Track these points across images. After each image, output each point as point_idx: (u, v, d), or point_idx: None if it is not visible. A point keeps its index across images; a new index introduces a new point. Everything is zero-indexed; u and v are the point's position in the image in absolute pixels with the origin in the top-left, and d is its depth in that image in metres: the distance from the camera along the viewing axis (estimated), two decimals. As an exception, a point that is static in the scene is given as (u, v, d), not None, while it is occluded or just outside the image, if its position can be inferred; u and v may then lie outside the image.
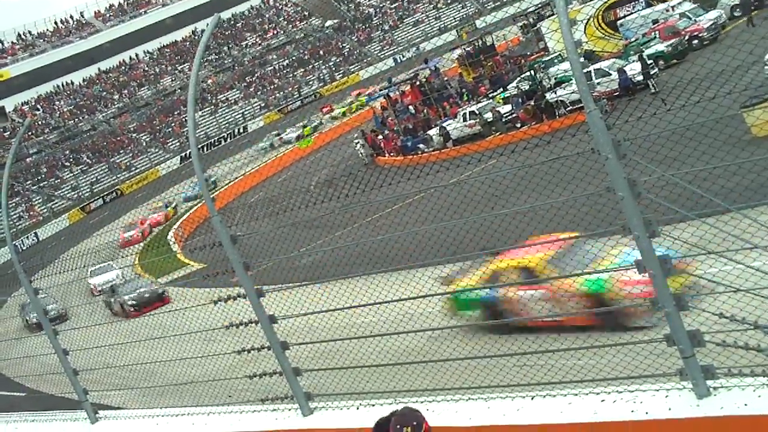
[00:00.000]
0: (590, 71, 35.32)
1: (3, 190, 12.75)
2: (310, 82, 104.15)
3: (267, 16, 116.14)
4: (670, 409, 6.61)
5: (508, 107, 41.21)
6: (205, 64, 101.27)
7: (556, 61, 42.86)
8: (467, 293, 10.83)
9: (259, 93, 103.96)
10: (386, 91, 52.27)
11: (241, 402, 11.10)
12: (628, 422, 6.75)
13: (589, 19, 48.07)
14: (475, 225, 8.79)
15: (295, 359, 9.78)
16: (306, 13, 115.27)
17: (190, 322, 12.19)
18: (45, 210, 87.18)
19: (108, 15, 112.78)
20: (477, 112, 42.22)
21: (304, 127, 71.87)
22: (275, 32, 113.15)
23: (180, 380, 12.36)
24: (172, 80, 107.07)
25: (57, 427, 14.75)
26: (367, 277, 10.17)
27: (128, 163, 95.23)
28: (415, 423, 5.61)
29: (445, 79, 53.68)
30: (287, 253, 11.10)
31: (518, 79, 45.02)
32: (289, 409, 9.98)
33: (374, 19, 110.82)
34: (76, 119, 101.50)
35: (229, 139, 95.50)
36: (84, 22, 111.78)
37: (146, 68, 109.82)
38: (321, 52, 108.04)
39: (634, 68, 35.74)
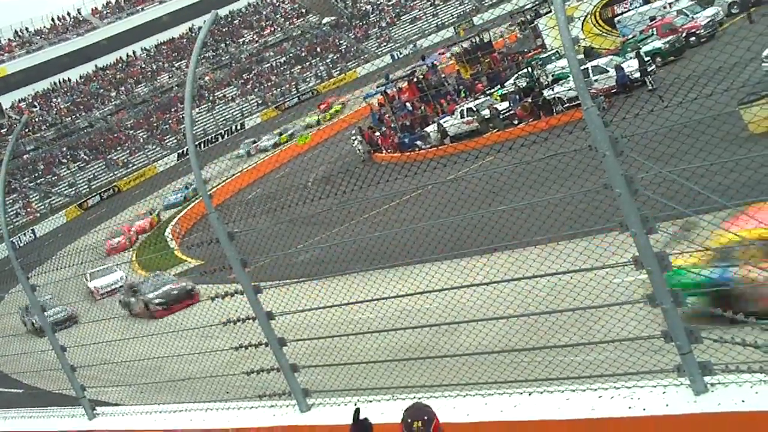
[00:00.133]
0: (587, 68, 35.36)
1: (0, 186, 12.74)
2: (308, 79, 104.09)
3: (264, 13, 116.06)
4: (667, 405, 6.61)
5: (505, 104, 41.24)
6: (202, 61, 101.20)
7: (553, 58, 42.88)
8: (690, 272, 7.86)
9: (256, 90, 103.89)
10: (383, 88, 52.23)
11: (239, 398, 11.10)
12: (625, 418, 6.75)
13: (586, 16, 48.11)
14: (473, 222, 8.78)
15: (293, 356, 9.79)
16: (303, 10, 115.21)
17: (188, 318, 12.21)
18: (42, 207, 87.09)
19: (105, 12, 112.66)
20: (474, 109, 42.25)
21: (280, 135, 71.53)
22: (272, 29, 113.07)
23: (177, 376, 12.36)
24: (169, 77, 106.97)
25: (54, 423, 14.74)
26: (364, 273, 10.17)
27: (125, 160, 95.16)
28: (426, 417, 5.65)
29: (443, 76, 53.67)
30: (285, 250, 11.09)
31: (516, 76, 45.04)
32: (287, 406, 9.98)
33: (371, 16, 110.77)
34: (73, 116, 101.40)
35: (226, 136, 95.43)
36: (81, 19, 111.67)
37: (143, 65, 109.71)
38: (318, 49, 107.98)
39: (631, 65, 35.79)
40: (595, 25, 49.42)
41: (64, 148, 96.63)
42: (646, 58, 35.74)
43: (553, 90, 37.89)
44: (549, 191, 8.19)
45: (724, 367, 6.56)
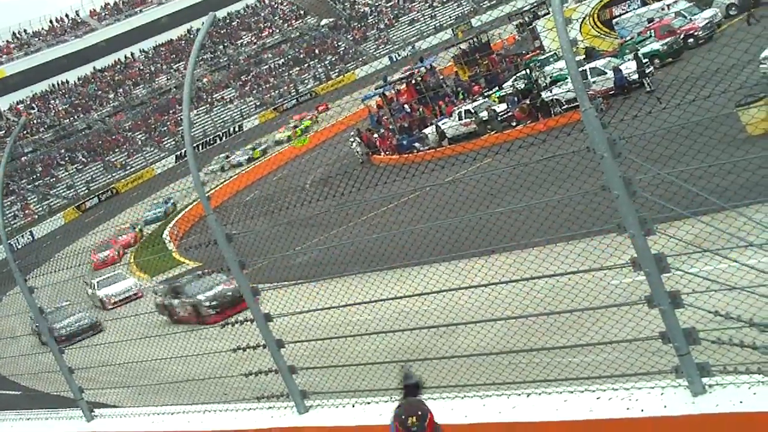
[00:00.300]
0: (586, 70, 35.37)
1: (-2, 188, 12.73)
2: (306, 81, 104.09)
3: (262, 14, 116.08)
4: (665, 406, 6.62)
5: (503, 106, 41.26)
6: (200, 63, 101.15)
7: (551, 59, 42.88)
8: None
9: (254, 92, 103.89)
10: (382, 89, 52.22)
11: (237, 400, 11.10)
12: (623, 420, 6.76)
13: (584, 18, 48.10)
14: (471, 223, 8.79)
15: (291, 357, 9.79)
16: (301, 12, 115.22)
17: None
18: (40, 209, 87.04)
19: (103, 14, 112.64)
20: (472, 111, 42.26)
21: (253, 149, 71.08)
22: (271, 31, 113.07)
23: (176, 378, 12.36)
24: (167, 79, 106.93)
25: (53, 425, 14.74)
26: (362, 275, 10.19)
27: (123, 162, 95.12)
28: (420, 413, 5.66)
29: (441, 77, 53.67)
30: (283, 252, 11.11)
31: (514, 77, 45.05)
32: (285, 407, 9.99)
33: (370, 17, 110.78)
34: (72, 118, 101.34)
35: (224, 138, 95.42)
36: (79, 20, 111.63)
37: (141, 67, 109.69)
38: (316, 51, 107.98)
39: (629, 67, 35.79)
40: (593, 27, 49.41)
41: (63, 150, 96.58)
42: (644, 60, 35.76)
43: (551, 92, 37.89)
44: (547, 193, 8.20)
45: (722, 369, 6.56)
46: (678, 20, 40.63)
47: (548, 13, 47.37)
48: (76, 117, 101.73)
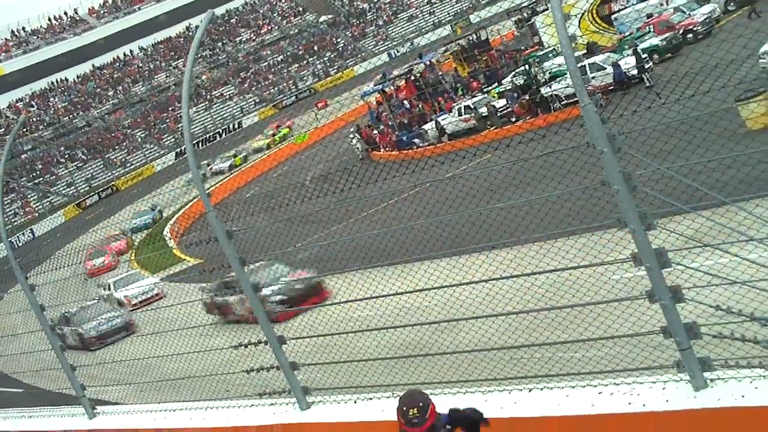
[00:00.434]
0: (585, 65, 35.38)
1: (-2, 186, 12.74)
2: (305, 78, 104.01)
3: (261, 11, 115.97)
4: (667, 401, 6.63)
5: (503, 102, 41.26)
6: (199, 60, 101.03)
7: (550, 55, 42.89)
8: None
9: (253, 89, 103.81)
10: (381, 86, 52.21)
11: (239, 396, 11.13)
12: (625, 414, 6.77)
13: (583, 14, 48.13)
14: (471, 219, 8.81)
15: (293, 354, 9.80)
16: (300, 9, 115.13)
17: (187, 317, 12.22)
18: (40, 206, 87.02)
19: (102, 11, 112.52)
20: (472, 107, 42.25)
21: (235, 156, 70.30)
22: (269, 28, 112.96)
23: (177, 375, 12.37)
24: (166, 76, 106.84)
25: (55, 422, 14.75)
26: (363, 271, 10.20)
27: (123, 160, 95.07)
28: (421, 404, 5.68)
29: (440, 73, 53.65)
30: (283, 249, 11.11)
31: (513, 73, 45.04)
32: (287, 404, 10.00)
33: (368, 14, 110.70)
34: (71, 116, 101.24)
35: (224, 135, 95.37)
36: (78, 18, 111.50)
37: (140, 64, 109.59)
38: (315, 48, 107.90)
39: (628, 62, 35.80)
40: (592, 23, 49.48)
41: (62, 148, 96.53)
42: (644, 55, 35.75)
43: (550, 87, 37.92)
44: (547, 188, 8.20)
45: (723, 363, 6.57)
46: (677, 15, 40.65)
47: (547, 9, 47.33)
48: (75, 115, 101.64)
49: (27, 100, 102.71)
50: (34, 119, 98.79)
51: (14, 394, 22.92)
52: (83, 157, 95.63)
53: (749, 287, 6.58)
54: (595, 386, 7.24)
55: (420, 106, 49.29)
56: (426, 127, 45.44)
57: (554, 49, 42.68)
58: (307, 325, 10.33)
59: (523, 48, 52.31)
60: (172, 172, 74.64)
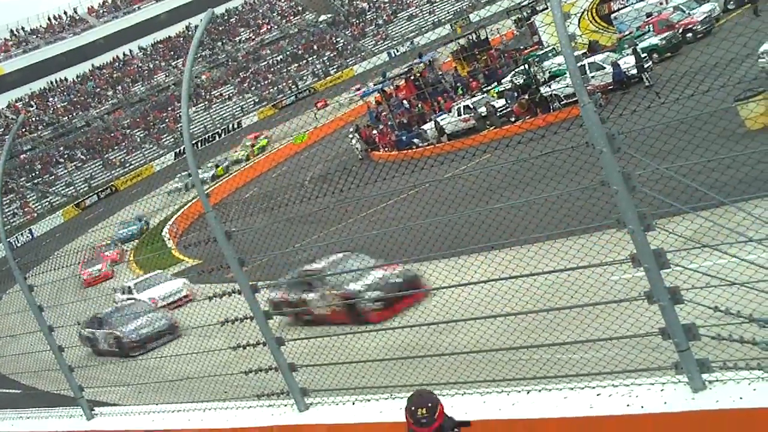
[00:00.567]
0: (584, 65, 35.38)
1: (-3, 186, 12.71)
2: (305, 77, 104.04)
3: (260, 11, 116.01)
4: (665, 402, 6.61)
5: (502, 101, 41.25)
6: (198, 60, 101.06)
7: (550, 54, 42.89)
8: None
9: (253, 88, 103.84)
10: (381, 85, 52.18)
11: (237, 398, 11.10)
12: (623, 416, 6.75)
13: (583, 13, 48.10)
14: (470, 219, 8.79)
15: (291, 355, 9.79)
16: (300, 8, 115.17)
17: (185, 318, 12.19)
18: (39, 207, 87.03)
19: (101, 11, 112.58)
20: (471, 107, 42.24)
21: (217, 166, 68.79)
22: (269, 27, 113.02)
23: (176, 376, 12.35)
24: (165, 76, 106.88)
25: (53, 423, 14.73)
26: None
27: (122, 160, 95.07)
28: (430, 404, 5.70)
29: (440, 73, 53.63)
30: (282, 249, 11.09)
31: (512, 73, 45.03)
32: (285, 405, 9.98)
33: (368, 13, 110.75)
34: (70, 116, 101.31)
35: (223, 135, 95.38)
36: (77, 18, 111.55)
37: (140, 64, 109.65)
38: (315, 47, 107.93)
39: (628, 62, 35.78)
40: (591, 22, 49.41)
41: (61, 148, 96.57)
42: (643, 55, 35.74)
43: (550, 87, 37.92)
44: (546, 188, 8.18)
45: (722, 365, 6.56)
46: (676, 15, 40.64)
47: (547, 8, 47.33)
48: (74, 114, 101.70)
49: (26, 100, 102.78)
50: (34, 119, 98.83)
51: (12, 395, 22.91)
52: (82, 157, 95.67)
53: (748, 288, 6.56)
54: (594, 388, 7.22)
55: (419, 105, 49.28)
56: (425, 127, 45.43)
57: (554, 48, 42.68)
58: (306, 326, 10.31)
59: (522, 47, 52.31)
60: (172, 172, 74.56)
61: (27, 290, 13.35)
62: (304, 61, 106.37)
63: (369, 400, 9.14)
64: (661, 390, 6.76)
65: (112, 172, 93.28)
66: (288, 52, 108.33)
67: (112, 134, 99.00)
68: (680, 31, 38.67)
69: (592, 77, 34.96)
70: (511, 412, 7.57)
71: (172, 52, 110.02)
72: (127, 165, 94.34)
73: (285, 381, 9.72)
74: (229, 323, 10.03)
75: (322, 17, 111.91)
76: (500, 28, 60.09)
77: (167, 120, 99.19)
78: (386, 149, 46.90)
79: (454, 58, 55.51)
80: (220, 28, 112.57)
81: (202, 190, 9.56)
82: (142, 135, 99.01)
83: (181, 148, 72.50)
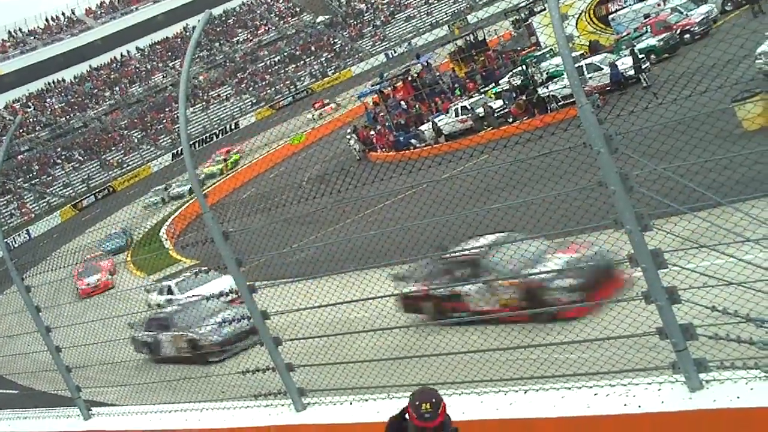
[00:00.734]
0: (582, 66, 35.39)
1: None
2: (302, 78, 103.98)
3: (258, 12, 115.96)
4: (663, 402, 6.62)
5: (500, 102, 41.24)
6: (196, 61, 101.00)
7: (547, 55, 42.90)
8: None
9: (250, 89, 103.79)
10: (378, 86, 52.15)
11: (235, 398, 11.10)
12: (621, 416, 6.76)
13: (580, 14, 48.10)
14: (468, 220, 8.80)
15: (288, 355, 9.79)
16: (297, 9, 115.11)
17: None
18: (37, 207, 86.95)
19: (99, 12, 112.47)
20: (469, 107, 42.23)
21: None
22: (266, 28, 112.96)
23: (173, 376, 12.35)
24: (163, 77, 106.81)
25: (50, 423, 14.73)
26: (359, 272, 10.18)
27: (120, 160, 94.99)
28: (434, 400, 5.76)
29: (437, 74, 53.63)
30: (279, 249, 11.09)
31: (510, 74, 45.03)
32: (283, 405, 9.99)
33: (366, 14, 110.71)
34: (68, 116, 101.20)
35: (221, 136, 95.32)
36: (75, 19, 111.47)
37: (137, 65, 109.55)
38: (313, 48, 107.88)
39: (625, 62, 35.79)
40: (589, 23, 49.39)
41: (59, 149, 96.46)
42: (641, 56, 35.75)
43: (547, 88, 37.92)
44: (544, 189, 8.20)
45: (719, 364, 6.56)
46: (674, 16, 40.65)
47: (544, 9, 47.35)
48: (72, 115, 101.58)
49: (24, 101, 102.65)
50: (31, 120, 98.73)
51: (10, 395, 22.89)
52: (80, 157, 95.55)
53: (745, 288, 6.57)
54: (591, 387, 7.23)
55: (417, 106, 49.26)
56: (423, 127, 45.40)
57: (551, 49, 42.68)
58: (303, 326, 10.31)
59: (520, 48, 52.29)
60: (169, 173, 74.50)
61: (24, 291, 13.34)
62: (302, 62, 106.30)
63: (366, 400, 9.15)
64: (659, 390, 6.77)
65: (110, 172, 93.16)
66: (285, 53, 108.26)
67: (110, 135, 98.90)
68: (678, 32, 38.68)
69: (590, 78, 34.96)
70: (509, 411, 7.57)
71: (169, 53, 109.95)
72: (125, 166, 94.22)
73: (282, 381, 9.72)
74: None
75: (320, 18, 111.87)
76: (498, 29, 60.10)
77: (165, 121, 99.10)
78: (384, 150, 46.88)
79: (451, 59, 55.49)
80: (218, 29, 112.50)
81: (200, 190, 9.56)
82: (139, 136, 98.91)
83: (179, 149, 72.58)
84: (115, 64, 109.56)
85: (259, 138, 58.21)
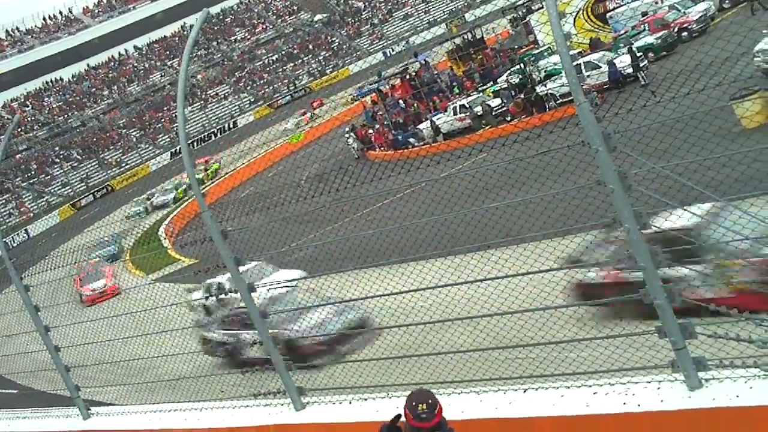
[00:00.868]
0: (580, 64, 35.38)
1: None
2: (300, 77, 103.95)
3: (256, 10, 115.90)
4: (662, 401, 6.62)
5: (498, 100, 41.23)
6: (194, 60, 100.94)
7: (545, 54, 42.89)
8: None
9: (248, 88, 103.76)
10: (376, 85, 52.14)
11: (234, 397, 11.10)
12: (620, 414, 6.76)
13: (578, 12, 48.13)
14: (466, 219, 8.79)
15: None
16: (295, 8, 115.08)
17: (182, 318, 12.18)
18: (35, 206, 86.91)
19: (96, 11, 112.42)
20: (467, 106, 42.23)
21: (177, 189, 66.93)
22: (264, 27, 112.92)
23: (172, 376, 12.34)
24: (161, 76, 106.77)
25: (49, 423, 14.72)
26: (358, 271, 10.18)
27: (118, 159, 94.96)
28: (430, 401, 5.78)
29: (435, 72, 53.61)
30: (278, 248, 11.09)
31: (508, 72, 45.03)
32: (282, 404, 9.98)
33: (363, 13, 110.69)
34: (66, 115, 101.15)
35: (219, 135, 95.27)
36: (72, 18, 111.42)
37: (135, 64, 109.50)
38: (310, 47, 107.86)
39: (623, 61, 35.80)
40: (587, 21, 49.43)
41: (57, 148, 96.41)
42: (639, 54, 35.76)
43: (545, 86, 37.92)
44: (542, 188, 8.19)
45: (718, 363, 6.56)
46: (672, 13, 40.66)
47: (542, 8, 47.35)
48: (70, 114, 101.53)
49: (22, 100, 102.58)
50: (29, 119, 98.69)
51: (9, 395, 22.88)
52: (78, 157, 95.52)
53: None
54: (590, 386, 7.23)
55: (415, 105, 49.26)
56: (421, 126, 45.39)
57: (549, 47, 42.68)
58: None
59: (518, 46, 52.29)
60: (168, 172, 74.41)
61: (23, 290, 13.33)
62: (300, 61, 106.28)
63: (365, 400, 9.15)
64: (658, 388, 6.77)
65: (108, 172, 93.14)
66: (283, 52, 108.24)
67: (108, 134, 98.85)
68: (676, 30, 38.68)
69: (588, 76, 34.97)
70: (508, 410, 7.57)
71: (167, 52, 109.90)
72: (123, 165, 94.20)
73: (282, 380, 9.72)
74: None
75: (318, 17, 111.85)
76: (496, 28, 60.07)
77: (163, 120, 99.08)
78: (382, 149, 46.89)
79: (449, 58, 55.47)
80: (216, 28, 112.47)
81: (198, 189, 9.56)
82: (138, 135, 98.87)
83: (177, 147, 72.43)
84: (113, 63, 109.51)
85: (239, 147, 57.77)
